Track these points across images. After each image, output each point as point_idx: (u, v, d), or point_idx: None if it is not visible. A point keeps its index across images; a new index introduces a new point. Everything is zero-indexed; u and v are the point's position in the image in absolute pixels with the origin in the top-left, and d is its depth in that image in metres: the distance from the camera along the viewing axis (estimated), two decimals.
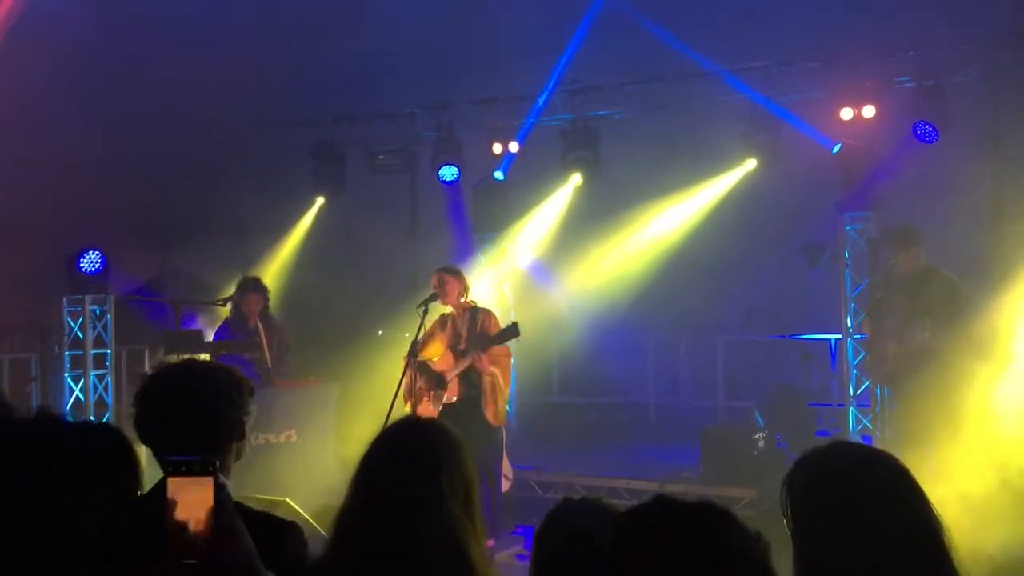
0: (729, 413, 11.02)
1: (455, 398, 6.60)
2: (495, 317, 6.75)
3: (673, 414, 11.34)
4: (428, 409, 6.56)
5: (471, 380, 6.59)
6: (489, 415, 6.48)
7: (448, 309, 6.79)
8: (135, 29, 9.43)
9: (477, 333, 6.60)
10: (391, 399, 6.34)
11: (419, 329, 6.53)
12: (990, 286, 7.46)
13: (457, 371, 6.59)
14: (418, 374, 6.57)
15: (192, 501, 1.85)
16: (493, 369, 6.51)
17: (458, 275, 6.79)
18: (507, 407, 10.63)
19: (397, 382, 6.36)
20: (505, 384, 6.74)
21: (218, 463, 1.94)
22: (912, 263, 6.96)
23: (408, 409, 6.65)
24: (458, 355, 6.62)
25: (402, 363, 6.58)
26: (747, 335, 11.44)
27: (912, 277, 6.95)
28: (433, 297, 6.62)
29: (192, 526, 1.85)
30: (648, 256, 10.87)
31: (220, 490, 1.89)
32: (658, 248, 10.83)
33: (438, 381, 6.67)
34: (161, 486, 1.91)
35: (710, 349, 11.64)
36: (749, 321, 10.10)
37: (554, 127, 10.37)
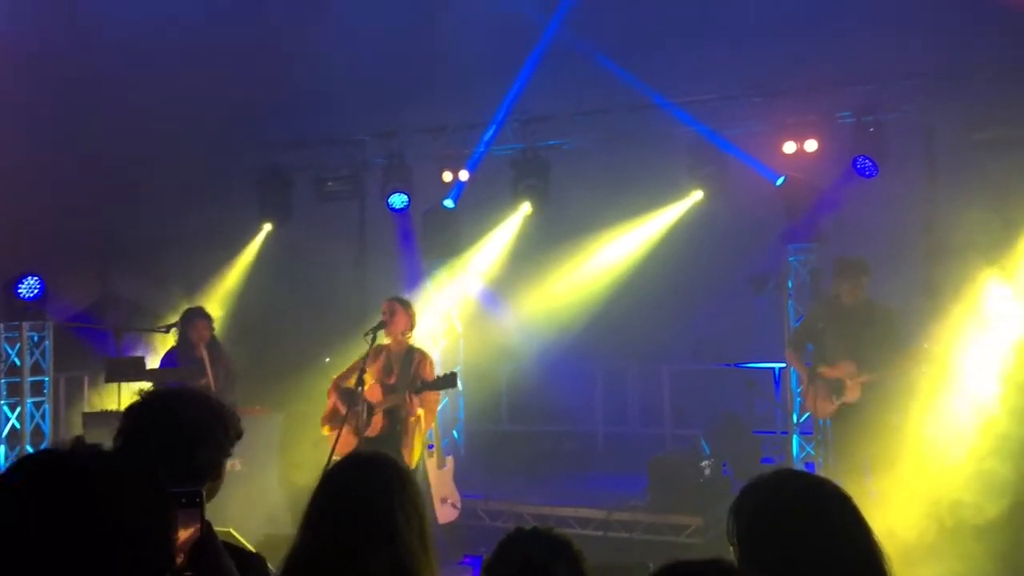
0: (676, 441, 11.12)
1: (376, 432, 6.54)
2: (431, 362, 6.76)
3: (621, 442, 11.40)
4: (349, 439, 6.46)
5: (395, 417, 6.56)
6: (406, 454, 6.44)
7: (386, 341, 6.76)
8: (77, 50, 9.31)
9: (411, 373, 6.59)
10: (336, 430, 6.30)
11: (366, 356, 6.49)
12: (925, 318, 7.68)
13: (386, 405, 6.54)
14: (344, 402, 6.57)
15: (179, 533, 1.83)
16: (420, 412, 6.48)
17: (408, 309, 6.77)
18: (453, 436, 10.67)
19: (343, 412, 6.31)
20: (427, 427, 6.74)
21: (204, 493, 1.92)
22: (857, 295, 7.07)
23: (326, 433, 6.62)
24: (388, 390, 6.57)
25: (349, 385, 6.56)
26: (694, 364, 11.58)
27: (857, 308, 7.06)
28: (382, 325, 6.59)
29: (179, 558, 1.83)
30: (597, 285, 10.97)
31: (207, 524, 1.87)
32: (607, 277, 10.94)
33: (367, 411, 6.61)
34: None
35: (657, 378, 11.75)
36: (696, 348, 10.21)
37: (504, 156, 10.45)
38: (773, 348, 9.84)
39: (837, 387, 7.01)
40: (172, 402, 2.47)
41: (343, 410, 6.53)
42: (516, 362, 11.96)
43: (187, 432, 2.39)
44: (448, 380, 6.43)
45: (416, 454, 6.54)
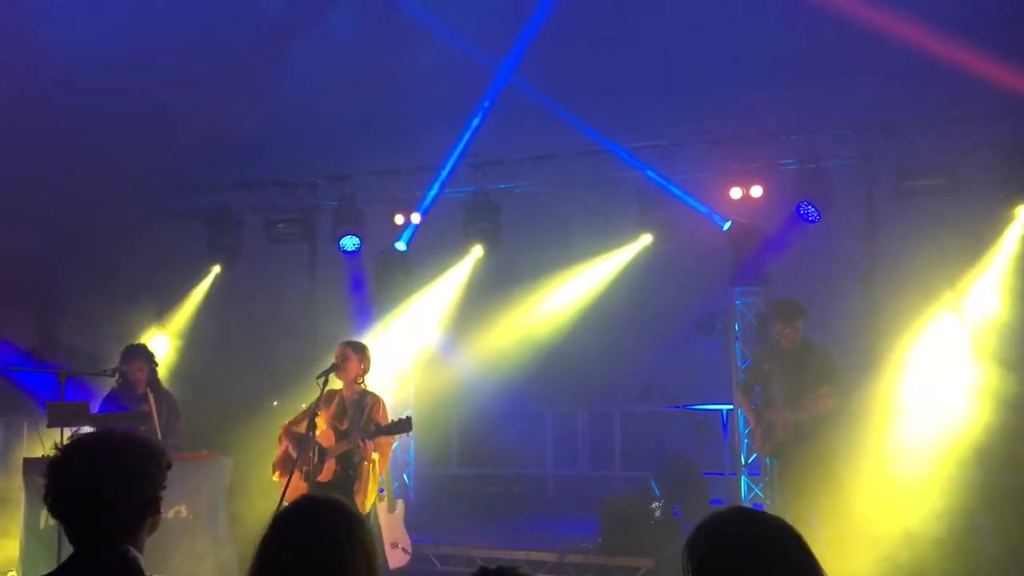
0: (626, 483, 11.18)
1: (328, 478, 6.49)
2: (384, 406, 6.73)
3: (572, 484, 11.43)
4: (299, 484, 6.39)
5: (348, 462, 6.51)
6: (359, 501, 6.40)
7: (338, 385, 6.73)
8: (16, 87, 9.19)
9: (364, 417, 6.56)
10: (287, 476, 6.23)
11: (317, 400, 6.44)
12: (865, 359, 7.88)
13: (339, 451, 6.50)
14: (296, 447, 6.51)
15: None
16: (374, 456, 6.45)
17: (362, 354, 6.73)
18: (404, 479, 10.58)
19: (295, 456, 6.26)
20: (381, 471, 6.70)
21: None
22: (794, 336, 7.20)
23: (276, 479, 6.55)
24: (340, 435, 6.53)
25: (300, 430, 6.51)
26: (643, 406, 11.66)
27: (796, 350, 7.20)
28: (334, 368, 6.55)
29: None
30: (547, 328, 11.05)
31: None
32: (557, 320, 11.03)
33: (319, 456, 6.55)
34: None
35: (608, 420, 11.82)
36: (648, 393, 10.32)
37: (456, 199, 10.54)
38: (720, 390, 9.99)
39: (771, 427, 7.16)
40: (92, 451, 2.49)
41: (294, 455, 6.46)
42: (467, 405, 11.94)
43: (115, 469, 2.43)
44: (402, 425, 6.40)
45: (370, 499, 6.48)
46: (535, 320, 11.10)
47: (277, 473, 6.64)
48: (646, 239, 10.09)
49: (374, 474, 6.50)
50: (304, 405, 6.90)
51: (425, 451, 11.29)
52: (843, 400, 6.99)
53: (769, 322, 8.05)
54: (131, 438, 2.57)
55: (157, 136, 9.42)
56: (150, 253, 10.46)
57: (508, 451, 11.53)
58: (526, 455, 11.64)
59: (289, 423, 6.75)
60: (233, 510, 7.87)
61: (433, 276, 11.03)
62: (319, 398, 6.34)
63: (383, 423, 6.53)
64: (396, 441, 8.18)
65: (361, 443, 6.32)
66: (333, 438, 6.53)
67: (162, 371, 8.26)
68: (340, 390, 6.70)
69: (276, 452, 6.75)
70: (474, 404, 11.69)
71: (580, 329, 10.89)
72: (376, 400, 6.68)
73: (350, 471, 6.46)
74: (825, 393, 6.82)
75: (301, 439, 6.41)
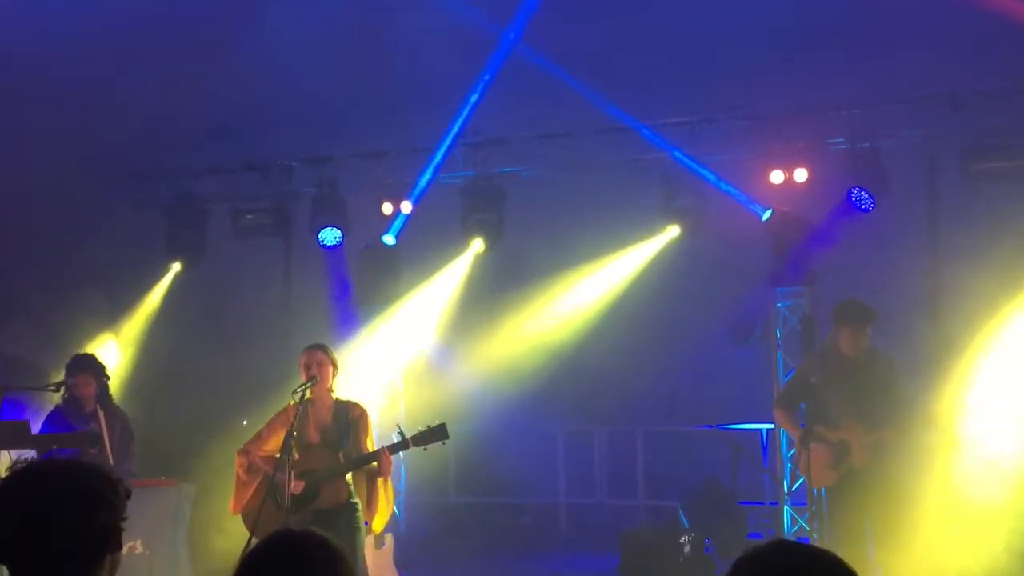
0: (650, 514, 11.15)
1: (329, 503, 6.44)
2: (370, 420, 6.71)
3: (587, 516, 11.39)
4: (273, 515, 6.33)
5: (352, 481, 6.51)
6: (371, 517, 6.41)
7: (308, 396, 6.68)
8: None
9: (349, 431, 6.53)
10: (256, 507, 6.17)
11: (294, 419, 6.38)
12: (930, 371, 7.79)
13: (344, 472, 6.46)
14: (254, 474, 6.49)
15: None
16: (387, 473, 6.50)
17: (331, 354, 6.73)
18: (394, 509, 10.54)
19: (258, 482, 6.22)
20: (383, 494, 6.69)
21: None
22: (859, 344, 7.04)
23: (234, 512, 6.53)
24: (327, 454, 6.50)
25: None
26: (670, 425, 11.63)
27: (860, 360, 7.04)
28: (313, 381, 6.50)
29: None
30: (559, 335, 11.01)
31: None
32: (570, 326, 10.98)
33: (311, 480, 6.51)
34: None
35: (629, 441, 11.76)
36: (672, 407, 10.29)
37: (453, 185, 10.49)
38: (759, 407, 9.93)
39: (840, 451, 6.97)
40: (38, 481, 2.44)
41: (251, 482, 6.44)
42: (465, 424, 11.78)
43: (68, 498, 2.39)
44: (437, 433, 6.43)
45: (386, 518, 6.52)
46: (544, 325, 11.06)
47: (235, 509, 6.59)
48: (673, 231, 10.05)
49: (386, 492, 6.51)
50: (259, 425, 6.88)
51: (417, 476, 11.25)
52: (914, 423, 6.89)
53: (820, 327, 7.98)
54: (81, 464, 2.54)
55: (107, 115, 9.39)
56: (100, 248, 10.41)
57: (514, 477, 11.48)
58: (534, 481, 11.59)
59: (248, 444, 6.68)
60: (196, 545, 7.84)
61: (427, 274, 10.98)
62: (297, 414, 6.27)
63: (365, 441, 6.50)
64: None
65: (384, 456, 6.35)
66: (325, 456, 6.49)
67: (114, 385, 8.22)
68: (310, 400, 6.65)
69: (233, 483, 6.72)
70: (474, 422, 11.61)
71: (597, 336, 10.83)
72: (362, 413, 6.64)
73: (348, 491, 6.47)
74: (907, 413, 6.76)
75: (270, 463, 6.36)
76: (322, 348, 6.70)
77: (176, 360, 10.80)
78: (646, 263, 10.48)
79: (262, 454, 6.56)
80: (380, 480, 6.44)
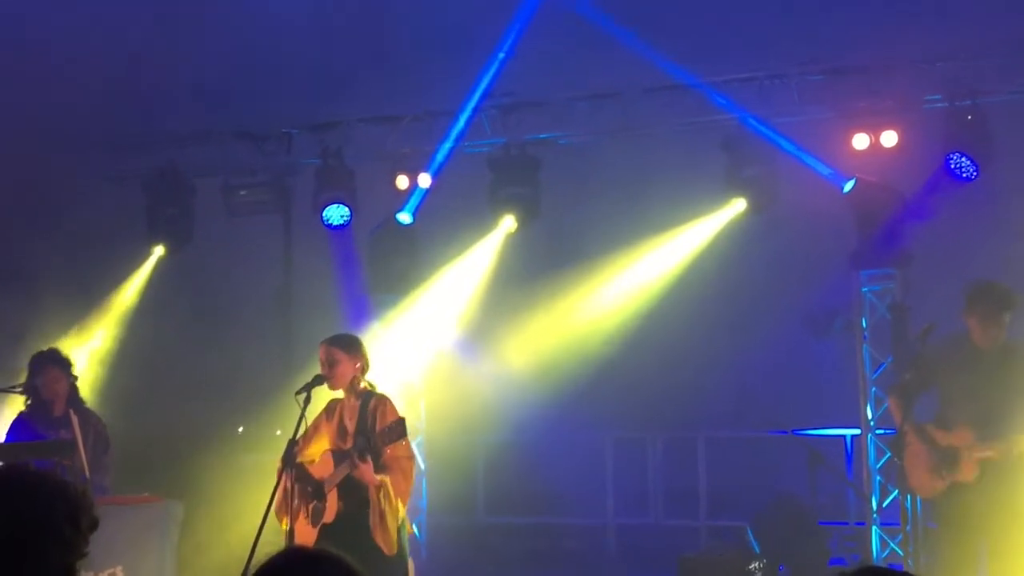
0: (714, 535, 11.18)
1: (332, 518, 6.51)
2: (392, 407, 6.71)
3: (640, 538, 11.40)
4: (305, 530, 6.45)
5: (353, 493, 6.51)
6: (379, 540, 6.41)
7: (339, 393, 6.75)
8: None
9: (368, 428, 6.56)
10: (259, 522, 6.24)
11: (298, 424, 6.45)
12: None
13: (335, 481, 6.52)
14: (295, 483, 6.52)
15: None
16: (382, 478, 6.43)
17: (353, 349, 6.72)
18: (413, 530, 10.61)
19: (269, 497, 6.28)
20: (402, 497, 6.67)
21: None
22: (994, 336, 6.86)
23: (285, 528, 6.56)
24: (338, 458, 6.56)
25: (275, 470, 6.51)
26: (736, 431, 11.61)
27: (993, 353, 6.91)
28: (319, 380, 6.54)
29: None
30: (604, 326, 11.03)
31: None
32: (618, 316, 11.00)
33: (316, 492, 6.60)
34: None
35: (688, 450, 11.75)
36: (739, 410, 10.27)
37: (480, 154, 10.53)
38: (843, 409, 9.91)
39: (949, 459, 6.91)
40: None
41: (292, 491, 6.51)
42: (497, 432, 11.95)
43: (12, 530, 2.42)
44: (392, 432, 6.35)
45: (394, 537, 6.50)
46: (588, 316, 11.08)
47: (285, 521, 6.65)
48: (738, 205, 10.02)
49: (390, 503, 6.51)
50: (279, 431, 6.94)
51: (441, 493, 11.30)
52: None
53: (904, 314, 7.91)
54: (45, 480, 2.57)
55: (77, 76, 9.46)
56: (71, 230, 10.52)
57: (553, 493, 11.53)
58: (577, 499, 11.63)
59: (286, 458, 6.74)
60: (185, 570, 7.92)
61: (449, 258, 11.04)
62: (302, 418, 6.35)
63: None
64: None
65: (353, 462, 6.33)
66: (332, 464, 6.56)
67: (88, 387, 8.36)
68: (341, 400, 6.72)
69: (275, 494, 6.78)
70: (507, 430, 11.69)
71: (649, 328, 10.85)
72: (383, 401, 6.65)
73: (355, 506, 6.48)
74: None
75: (300, 472, 6.45)
76: (338, 342, 6.70)
77: (160, 358, 10.90)
78: (707, 243, 10.45)
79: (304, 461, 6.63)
80: (375, 490, 6.45)
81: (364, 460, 6.33)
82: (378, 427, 6.47)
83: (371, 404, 6.60)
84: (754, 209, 9.95)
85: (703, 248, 10.50)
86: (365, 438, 6.44)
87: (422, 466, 10.68)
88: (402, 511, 6.60)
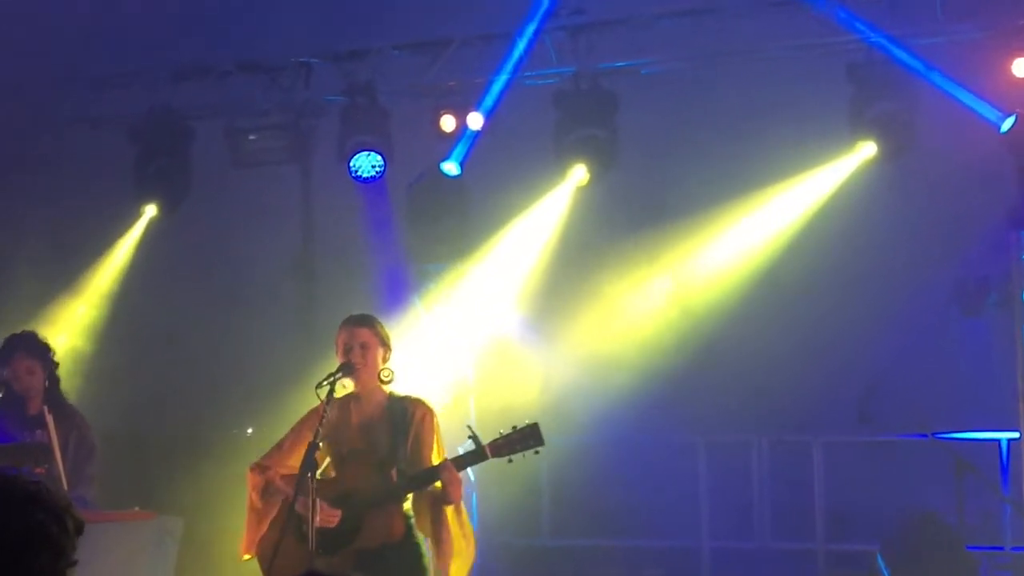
0: (834, 562, 11.09)
1: (377, 541, 6.55)
2: (436, 421, 6.73)
3: (742, 565, 11.34)
4: (295, 554, 6.46)
5: (411, 510, 6.60)
6: (451, 570, 6.51)
7: (351, 389, 6.76)
8: None
9: (409, 440, 6.58)
10: (273, 543, 6.30)
11: (319, 423, 6.49)
12: None
13: (398, 496, 6.57)
14: (271, 497, 6.61)
15: None
16: (447, 509, 6.53)
17: (383, 333, 6.77)
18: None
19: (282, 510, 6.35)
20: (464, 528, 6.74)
21: None
22: None
23: (247, 557, 6.65)
24: (375, 468, 6.59)
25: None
26: (862, 435, 11.49)
27: None
28: (348, 368, 6.57)
29: None
30: (698, 303, 10.99)
31: None
32: (715, 291, 10.97)
33: (348, 513, 6.64)
34: None
35: (801, 457, 11.65)
36: (866, 407, 10.17)
37: (543, 87, 10.56)
38: (997, 405, 9.80)
39: None
40: None
41: (268, 511, 6.57)
42: (564, 435, 11.86)
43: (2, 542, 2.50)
44: (528, 438, 6.46)
45: (466, 562, 6.59)
46: (678, 290, 11.06)
47: (248, 549, 6.72)
48: (867, 150, 9.97)
49: (465, 524, 6.61)
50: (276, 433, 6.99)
51: (497, 510, 11.33)
52: None
53: None
54: (16, 485, 2.63)
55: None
56: (45, 185, 10.63)
57: (634, 510, 11.47)
58: (665, 516, 11.54)
59: (263, 461, 6.81)
60: None
61: (506, 217, 11.06)
62: (324, 415, 6.37)
63: (429, 453, 6.55)
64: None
65: (450, 474, 6.40)
66: (364, 474, 6.60)
67: (66, 378, 8.41)
68: (353, 395, 6.74)
69: (244, 514, 6.85)
70: (576, 432, 11.64)
71: (753, 304, 10.82)
72: (426, 413, 6.70)
73: (408, 525, 6.56)
74: None
75: (299, 483, 6.47)
76: (368, 322, 6.76)
77: (152, 343, 11.00)
78: (827, 197, 10.43)
79: (284, 472, 6.67)
80: (449, 509, 6.50)
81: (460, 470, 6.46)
82: (424, 439, 6.53)
83: (407, 407, 6.63)
84: (886, 155, 9.91)
85: (822, 204, 10.48)
86: (477, 442, 6.48)
87: (472, 477, 10.70)
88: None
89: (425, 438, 6.62)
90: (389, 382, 6.72)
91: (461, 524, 6.59)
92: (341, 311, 7.34)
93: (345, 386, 6.66)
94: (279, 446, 6.81)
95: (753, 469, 11.96)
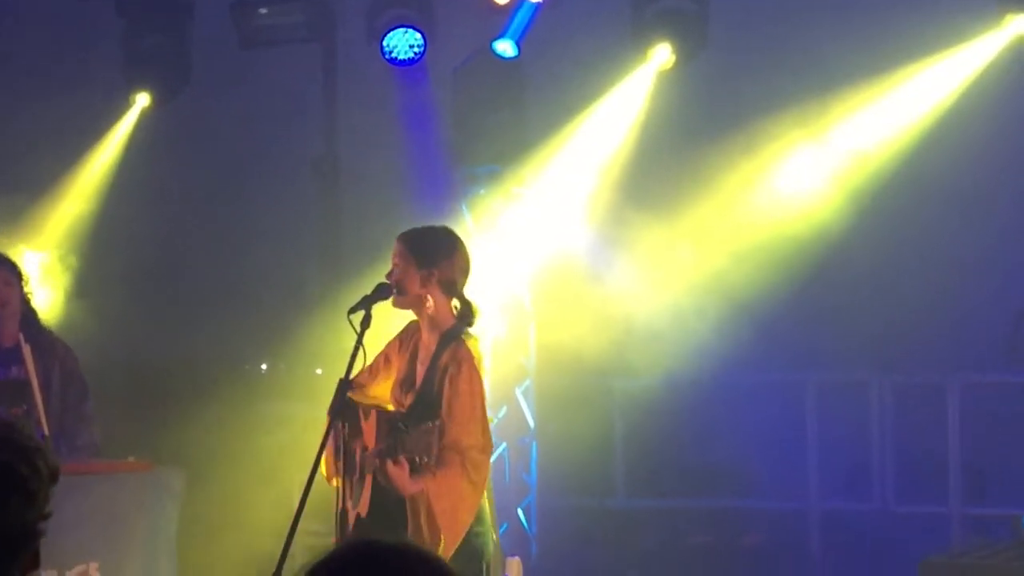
0: (972, 527, 11.07)
1: (365, 509, 6.55)
2: (471, 362, 6.63)
3: (859, 530, 11.33)
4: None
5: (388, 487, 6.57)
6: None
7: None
8: None
9: (432, 390, 6.54)
10: (299, 499, 6.30)
11: (352, 358, 6.48)
12: None
13: (370, 466, 6.54)
14: (348, 441, 6.58)
15: None
16: (421, 488, 6.40)
17: (426, 251, 6.69)
18: (497, 540, 10.67)
19: (316, 454, 6.34)
20: (466, 509, 6.63)
21: None
22: None
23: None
24: (384, 427, 6.56)
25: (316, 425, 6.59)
26: (1007, 374, 11.46)
27: None
28: (384, 292, 6.53)
29: None
30: (808, 217, 10.92)
31: None
32: (828, 200, 10.93)
33: (361, 463, 6.66)
34: None
35: (933, 402, 11.62)
36: (1015, 342, 10.12)
37: None
38: None
39: None
40: None
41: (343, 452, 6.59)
42: (643, 375, 11.93)
43: None
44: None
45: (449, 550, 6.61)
46: (784, 200, 11.02)
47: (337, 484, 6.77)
48: (1016, 25, 9.88)
49: (443, 516, 6.53)
50: (319, 369, 6.99)
51: (560, 465, 11.38)
52: None
53: None
54: None
55: None
56: (12, 70, 10.67)
57: (729, 465, 11.54)
58: (767, 472, 11.61)
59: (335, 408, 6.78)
60: (186, 563, 8.08)
61: (574, 111, 11.01)
62: (358, 347, 6.36)
63: (459, 407, 6.41)
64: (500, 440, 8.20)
65: (383, 465, 6.32)
66: (374, 431, 6.59)
67: (45, 304, 8.47)
68: (418, 325, 6.73)
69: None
70: (657, 373, 11.68)
71: (878, 216, 10.80)
72: (464, 357, 6.62)
73: (391, 502, 6.53)
74: None
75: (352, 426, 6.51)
76: (404, 236, 6.68)
77: (147, 261, 11.06)
78: (964, 86, 10.39)
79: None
80: (411, 500, 6.45)
81: (397, 462, 6.31)
82: (460, 388, 6.42)
83: (444, 356, 6.56)
84: None
85: (958, 94, 10.42)
86: (417, 416, 6.41)
87: (531, 424, 10.72)
88: (467, 520, 6.58)
89: (448, 387, 6.50)
90: (430, 312, 6.65)
91: (430, 515, 6.48)
92: (370, 221, 7.36)
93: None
94: (369, 369, 6.77)
95: (873, 416, 11.95)
